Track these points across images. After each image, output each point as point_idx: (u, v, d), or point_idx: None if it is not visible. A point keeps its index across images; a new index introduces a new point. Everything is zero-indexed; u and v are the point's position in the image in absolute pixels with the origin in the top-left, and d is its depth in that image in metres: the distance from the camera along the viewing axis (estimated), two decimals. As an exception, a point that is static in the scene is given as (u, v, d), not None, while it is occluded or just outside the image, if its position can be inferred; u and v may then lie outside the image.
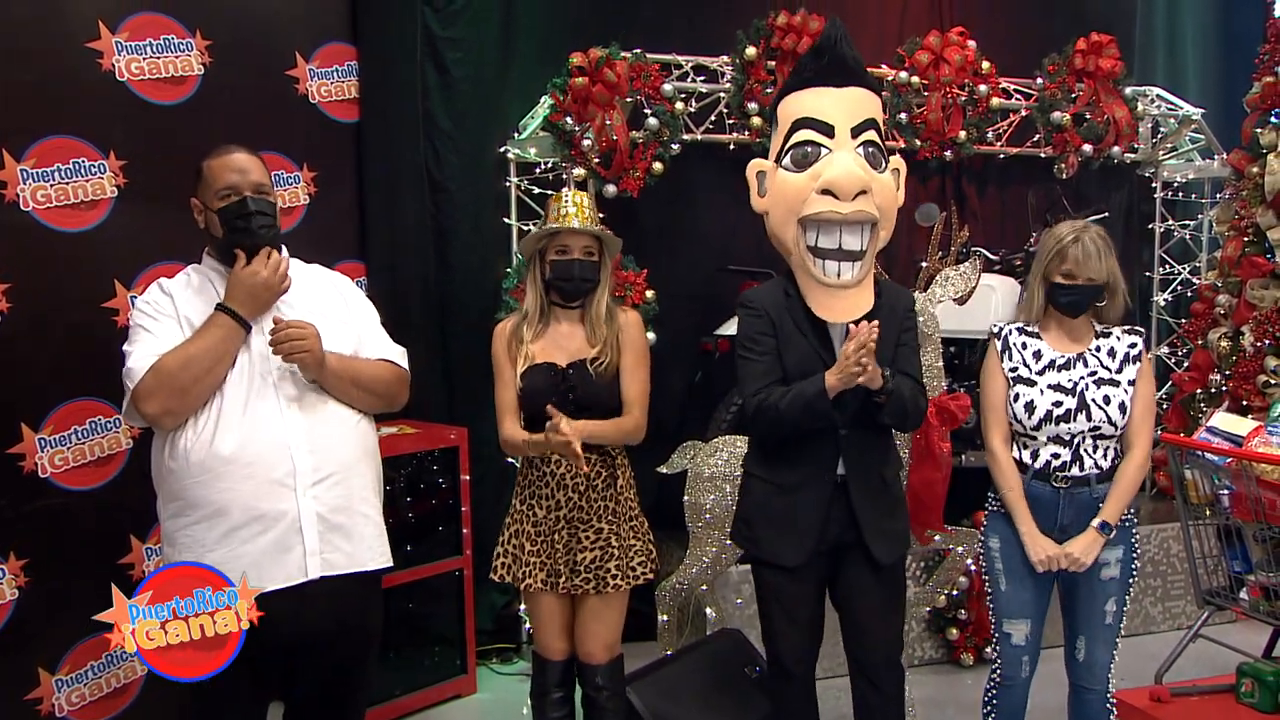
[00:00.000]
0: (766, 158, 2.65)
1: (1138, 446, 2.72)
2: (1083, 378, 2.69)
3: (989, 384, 2.78)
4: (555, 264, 2.75)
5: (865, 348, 2.31)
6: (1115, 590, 2.72)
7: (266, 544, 2.20)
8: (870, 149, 2.50)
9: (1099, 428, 2.66)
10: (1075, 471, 2.68)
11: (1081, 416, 2.66)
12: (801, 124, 2.51)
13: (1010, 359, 2.75)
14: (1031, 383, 2.70)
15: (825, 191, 2.43)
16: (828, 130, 2.48)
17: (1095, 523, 2.66)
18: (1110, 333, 2.76)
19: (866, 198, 2.44)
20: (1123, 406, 2.67)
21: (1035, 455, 2.71)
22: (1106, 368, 2.71)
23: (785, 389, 2.48)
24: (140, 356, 2.22)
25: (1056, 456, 2.69)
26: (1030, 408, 2.68)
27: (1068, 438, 2.68)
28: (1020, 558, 2.72)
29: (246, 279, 2.25)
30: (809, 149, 2.48)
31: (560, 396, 2.70)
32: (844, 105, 2.49)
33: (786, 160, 2.52)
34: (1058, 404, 2.66)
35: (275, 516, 2.21)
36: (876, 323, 2.37)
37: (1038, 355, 2.73)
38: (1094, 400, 2.66)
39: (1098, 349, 2.73)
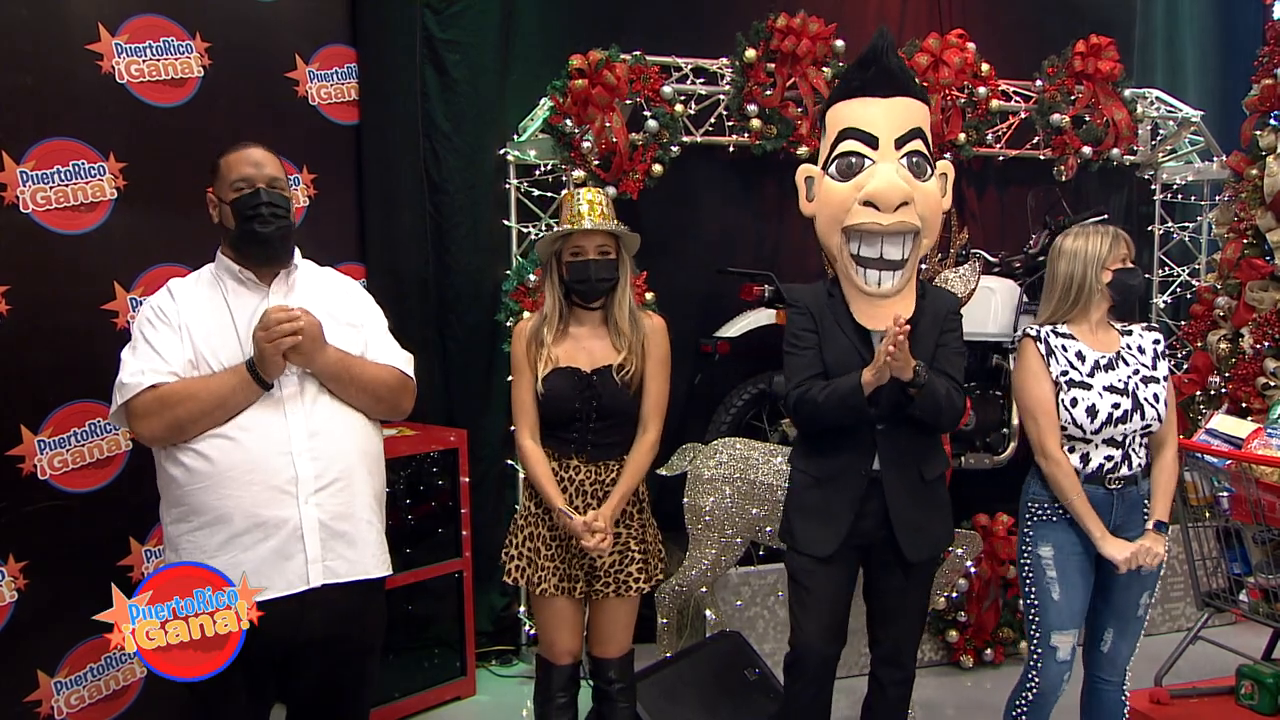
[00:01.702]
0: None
1: (1171, 442, 2.77)
2: (1130, 377, 2.69)
3: (1035, 388, 2.70)
4: (571, 266, 2.70)
5: (896, 341, 2.36)
6: (1151, 583, 2.74)
7: (267, 551, 2.19)
8: (915, 159, 2.57)
9: (1149, 426, 2.69)
10: (1124, 471, 2.69)
11: (1136, 416, 2.66)
12: (847, 134, 2.59)
13: (1056, 362, 2.69)
14: (1086, 385, 2.66)
15: (867, 203, 2.51)
16: (872, 141, 2.56)
17: (1151, 524, 2.70)
18: (1130, 330, 2.79)
19: (908, 209, 2.52)
20: (1166, 403, 2.70)
21: (1086, 459, 2.68)
22: (1144, 365, 2.72)
23: (825, 383, 2.55)
24: (133, 370, 2.22)
25: (1109, 459, 2.68)
26: (1092, 412, 2.64)
27: (1120, 439, 2.67)
28: (1076, 565, 2.69)
29: (258, 343, 2.21)
30: (853, 159, 2.58)
31: (583, 403, 2.69)
32: (889, 116, 2.57)
33: (832, 169, 2.62)
34: (1116, 405, 2.65)
35: (276, 524, 2.20)
36: (906, 324, 2.40)
37: (1080, 356, 2.70)
38: (1146, 399, 2.67)
39: (1128, 346, 2.75)
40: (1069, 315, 2.75)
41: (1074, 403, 2.66)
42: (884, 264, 2.54)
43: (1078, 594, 2.70)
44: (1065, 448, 2.69)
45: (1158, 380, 2.71)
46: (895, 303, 2.56)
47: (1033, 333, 2.74)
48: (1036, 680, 2.75)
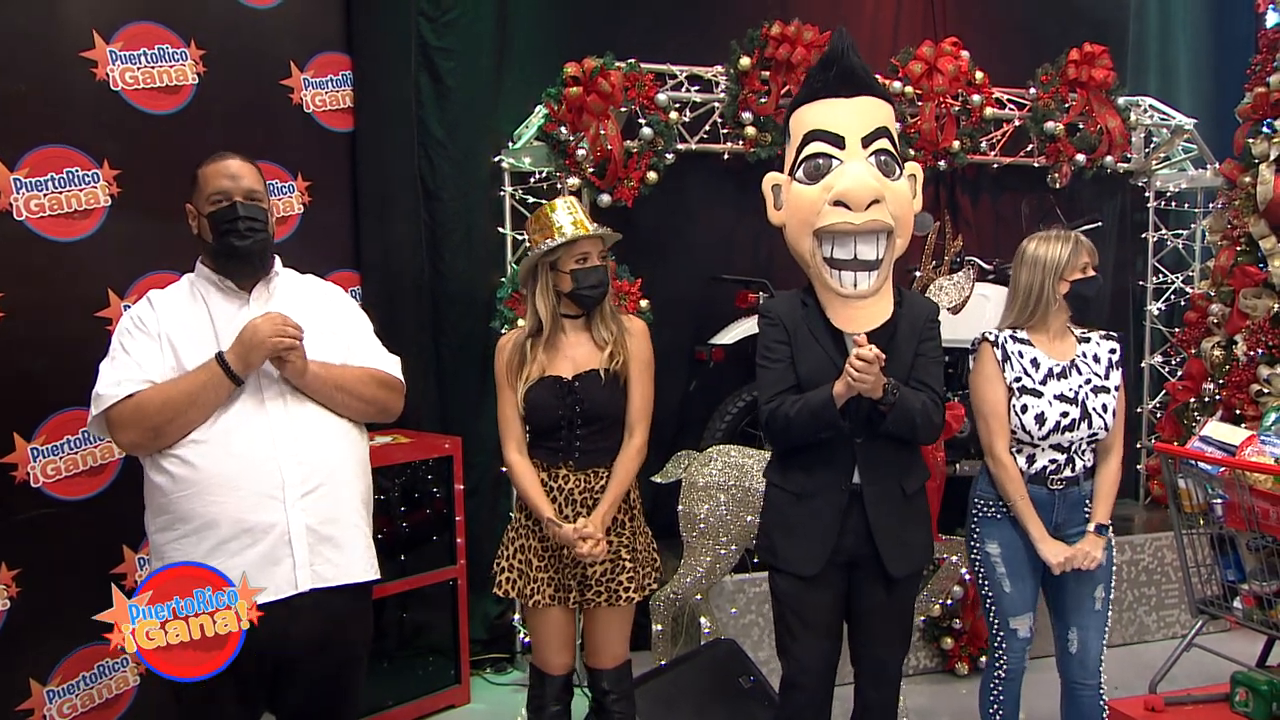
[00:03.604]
0: (779, 170, 2.65)
1: (1116, 449, 2.84)
2: (1081, 386, 2.75)
3: (989, 391, 2.79)
4: (578, 273, 2.68)
5: (866, 359, 2.32)
6: (1102, 577, 2.79)
7: (255, 556, 2.19)
8: (883, 157, 2.51)
9: (1095, 434, 2.75)
10: (1068, 473, 2.77)
11: (1084, 425, 2.73)
12: (812, 136, 2.52)
13: (1012, 368, 2.76)
14: (1038, 393, 2.73)
15: (838, 203, 2.44)
16: (838, 141, 2.49)
17: (1093, 527, 2.77)
18: (1089, 337, 2.84)
19: (880, 207, 2.44)
20: (1114, 412, 2.76)
21: (1032, 460, 2.77)
22: (1097, 374, 2.78)
23: (797, 398, 2.49)
24: (109, 381, 2.23)
25: (1054, 461, 2.76)
26: (1040, 419, 2.72)
27: (1067, 444, 2.75)
28: (1023, 559, 2.78)
29: (247, 335, 2.21)
30: (820, 161, 2.50)
31: (566, 410, 2.68)
32: (854, 115, 2.50)
33: (799, 173, 2.54)
34: (1065, 414, 2.72)
35: (264, 529, 2.20)
36: (877, 351, 2.36)
37: (1035, 364, 2.77)
38: (1094, 409, 2.74)
39: (1084, 354, 2.80)
40: (1029, 322, 2.81)
41: (1024, 409, 2.73)
42: (859, 265, 2.47)
43: (1028, 584, 2.80)
44: (1013, 449, 2.78)
45: (1108, 390, 2.77)
46: (872, 304, 2.50)
47: (991, 337, 2.81)
48: (1004, 660, 2.85)
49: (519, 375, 2.71)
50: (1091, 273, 2.76)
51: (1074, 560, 2.72)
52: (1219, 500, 3.22)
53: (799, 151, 2.55)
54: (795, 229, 2.55)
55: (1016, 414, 2.74)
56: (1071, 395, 2.73)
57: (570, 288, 2.70)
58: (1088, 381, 2.76)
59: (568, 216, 2.70)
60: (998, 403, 2.77)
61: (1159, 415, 5.10)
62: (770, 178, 2.65)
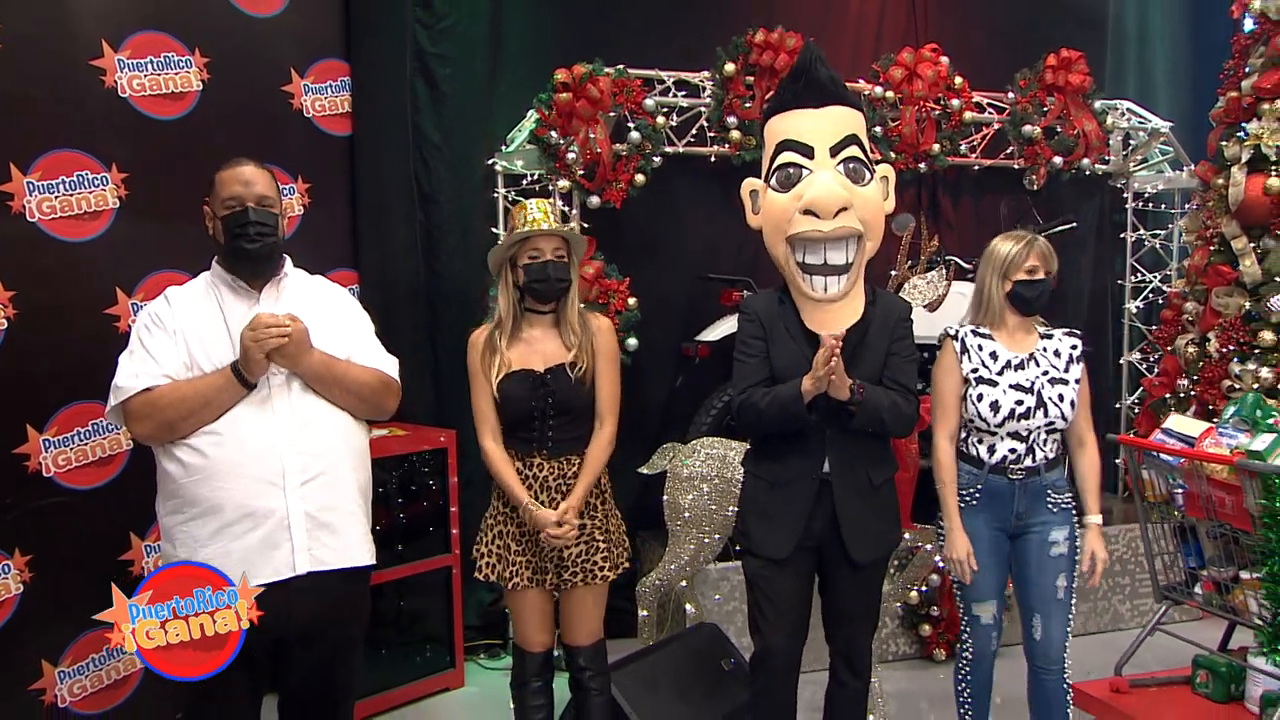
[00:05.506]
0: (758, 176, 2.78)
1: (1089, 441, 2.97)
2: (1038, 377, 2.87)
3: (942, 383, 2.92)
4: (529, 267, 2.81)
5: (830, 357, 2.46)
6: (1065, 566, 2.90)
7: (255, 540, 2.32)
8: (852, 165, 2.63)
9: (1053, 423, 2.87)
10: (1028, 463, 2.86)
11: (1040, 413, 2.84)
12: (784, 146, 2.65)
13: (970, 360, 2.89)
14: (993, 383, 2.86)
15: (808, 211, 2.57)
16: (807, 151, 2.62)
17: (1092, 520, 2.93)
18: (1052, 334, 2.96)
19: (848, 214, 2.58)
20: (1072, 403, 2.88)
21: (992, 450, 2.88)
22: (1055, 367, 2.90)
23: (767, 390, 2.63)
24: (129, 373, 2.36)
25: (1013, 451, 2.86)
26: (995, 407, 2.84)
27: (1024, 433, 2.86)
28: (985, 547, 2.89)
29: (244, 341, 2.33)
30: (791, 170, 2.63)
31: (539, 401, 2.81)
32: (822, 125, 2.63)
33: (773, 181, 2.67)
34: (1019, 402, 2.84)
35: (264, 514, 2.32)
36: (840, 333, 2.51)
37: (994, 356, 2.89)
38: (1050, 398, 2.85)
39: (1044, 349, 2.92)
40: (984, 319, 2.94)
41: (980, 398, 2.86)
42: (829, 270, 2.60)
43: (990, 571, 2.90)
44: (974, 439, 2.90)
45: (1066, 382, 2.89)
46: (843, 306, 2.63)
47: (951, 332, 2.95)
48: (970, 645, 3.00)
49: (491, 367, 2.83)
50: (1040, 275, 2.85)
51: (1090, 563, 2.89)
52: (1179, 490, 3.32)
53: (772, 160, 2.68)
54: (770, 234, 2.70)
55: (973, 402, 2.86)
56: (1027, 385, 2.85)
57: (523, 281, 2.83)
58: (1045, 373, 2.88)
59: (534, 214, 2.82)
60: (947, 394, 2.91)
61: (1137, 410, 5.22)
62: (748, 184, 2.79)
